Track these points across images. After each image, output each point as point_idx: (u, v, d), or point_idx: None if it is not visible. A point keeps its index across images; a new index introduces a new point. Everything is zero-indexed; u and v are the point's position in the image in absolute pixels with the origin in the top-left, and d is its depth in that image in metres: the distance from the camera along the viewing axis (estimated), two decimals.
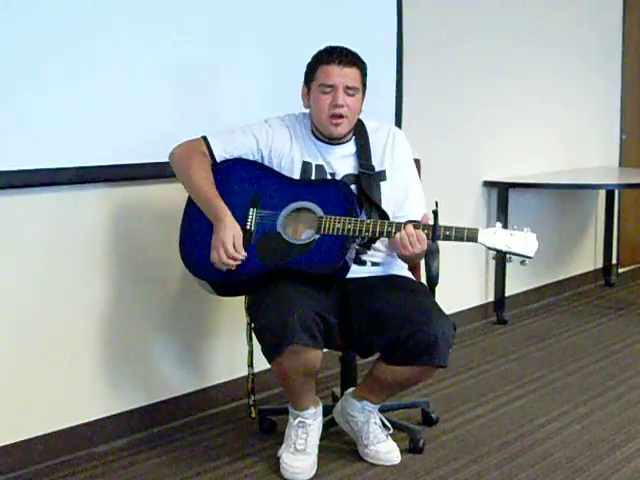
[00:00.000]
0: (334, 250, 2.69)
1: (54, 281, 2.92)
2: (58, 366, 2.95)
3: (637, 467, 2.84)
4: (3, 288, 2.79)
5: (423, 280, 3.05)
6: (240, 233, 2.71)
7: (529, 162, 5.11)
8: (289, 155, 2.86)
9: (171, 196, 3.11)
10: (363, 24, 3.78)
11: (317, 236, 2.71)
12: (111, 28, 2.94)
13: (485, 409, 3.41)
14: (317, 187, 2.81)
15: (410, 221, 2.71)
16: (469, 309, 4.73)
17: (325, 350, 2.69)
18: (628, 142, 6.08)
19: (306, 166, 2.85)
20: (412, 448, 2.95)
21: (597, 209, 5.83)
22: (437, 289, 2.94)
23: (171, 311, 3.30)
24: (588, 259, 5.80)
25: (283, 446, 2.82)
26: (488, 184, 4.80)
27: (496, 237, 2.64)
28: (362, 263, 2.88)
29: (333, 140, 2.86)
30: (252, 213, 2.77)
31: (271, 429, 3.16)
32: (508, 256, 2.67)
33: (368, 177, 2.84)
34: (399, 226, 2.67)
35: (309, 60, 2.85)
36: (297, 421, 2.79)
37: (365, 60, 2.85)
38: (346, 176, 2.86)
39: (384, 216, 2.79)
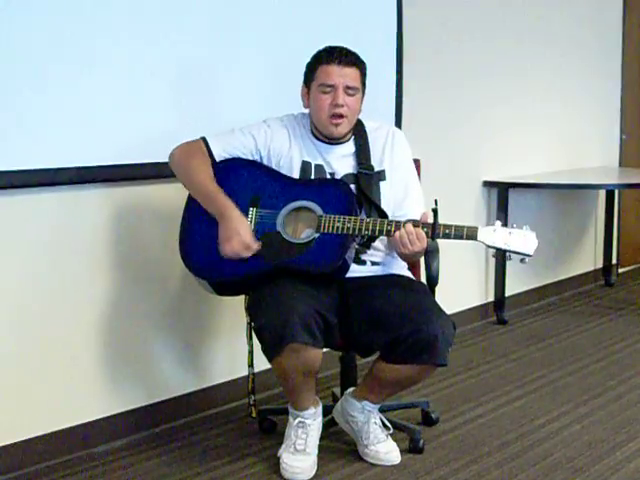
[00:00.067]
0: (334, 249, 2.69)
1: (54, 281, 2.93)
2: (58, 366, 2.95)
3: (637, 467, 2.84)
4: (3, 288, 2.79)
5: (423, 280, 3.05)
6: (249, 224, 2.71)
7: (529, 162, 5.11)
8: (288, 155, 2.86)
9: (171, 196, 3.11)
10: (363, 24, 3.78)
11: (317, 235, 2.71)
12: (111, 28, 2.94)
13: (485, 409, 3.41)
14: (317, 186, 2.81)
15: (410, 220, 2.71)
16: (469, 309, 4.73)
17: (325, 350, 2.70)
18: (628, 142, 6.08)
19: (305, 166, 2.85)
20: (412, 448, 2.95)
21: (597, 209, 5.83)
22: (437, 289, 2.94)
23: (171, 311, 3.30)
24: (588, 259, 5.81)
25: (283, 446, 2.82)
26: (488, 184, 4.80)
27: (495, 235, 2.65)
28: (362, 262, 2.88)
29: (332, 140, 2.86)
30: (252, 212, 2.77)
31: (271, 429, 3.16)
32: (508, 254, 2.68)
33: (367, 177, 2.84)
34: (398, 224, 2.67)
35: (309, 60, 2.85)
36: (297, 421, 2.79)
37: (365, 60, 2.85)
38: (345, 176, 2.86)
39: (383, 216, 2.79)
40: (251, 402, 2.93)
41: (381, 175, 2.88)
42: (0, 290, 2.79)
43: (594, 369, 3.93)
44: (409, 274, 2.99)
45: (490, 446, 3.02)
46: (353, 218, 2.69)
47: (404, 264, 2.97)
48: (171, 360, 3.32)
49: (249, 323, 2.88)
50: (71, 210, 2.96)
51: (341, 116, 2.78)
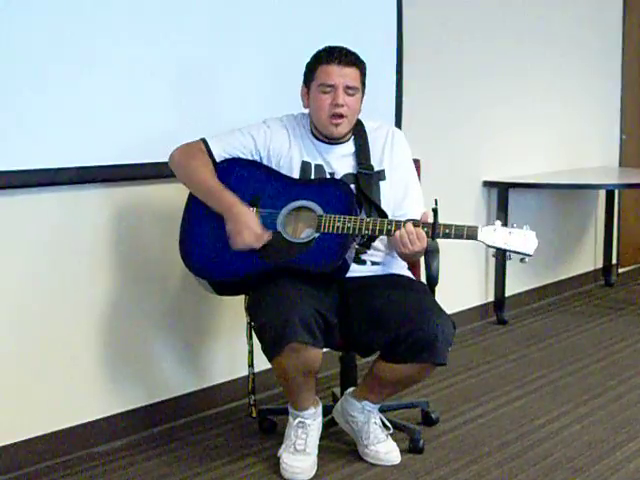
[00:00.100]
0: (334, 248, 2.69)
1: (54, 281, 2.93)
2: (58, 366, 2.95)
3: (637, 467, 2.84)
4: (3, 288, 2.79)
5: (423, 280, 3.05)
6: (256, 216, 2.73)
7: (529, 162, 5.11)
8: (288, 155, 2.86)
9: (171, 196, 3.11)
10: (363, 24, 3.78)
11: (317, 235, 2.71)
12: (111, 28, 2.95)
13: (485, 409, 3.41)
14: (317, 186, 2.81)
15: (410, 220, 2.71)
16: (469, 309, 4.73)
17: (325, 350, 2.70)
18: (628, 142, 6.08)
19: (305, 166, 2.85)
20: (412, 448, 2.95)
21: (597, 209, 5.83)
22: (437, 289, 2.94)
23: (171, 311, 3.30)
24: (588, 259, 5.80)
25: (283, 446, 2.82)
26: (488, 184, 4.80)
27: (496, 235, 2.65)
28: (362, 262, 2.88)
29: (332, 140, 2.86)
30: (252, 212, 2.77)
31: (271, 429, 3.16)
32: (508, 254, 2.69)
33: (367, 177, 2.84)
34: (399, 224, 2.67)
35: (308, 60, 2.85)
36: (297, 421, 2.80)
37: (365, 60, 2.85)
38: (345, 176, 2.86)
39: (383, 215, 2.79)
40: (251, 402, 2.93)
41: (381, 175, 2.88)
42: (0, 290, 2.79)
43: (594, 369, 3.93)
44: (409, 274, 3.00)
45: (490, 446, 3.02)
46: (353, 218, 2.69)
47: (404, 264, 2.97)
48: (171, 360, 3.32)
49: (249, 323, 2.88)
50: (71, 210, 2.96)
51: (341, 116, 2.79)
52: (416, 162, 3.08)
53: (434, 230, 2.65)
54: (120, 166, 3.02)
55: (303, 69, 2.87)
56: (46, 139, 2.82)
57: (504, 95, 4.84)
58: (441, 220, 2.64)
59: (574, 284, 5.62)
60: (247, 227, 2.69)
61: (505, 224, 2.70)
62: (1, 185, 2.72)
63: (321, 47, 2.83)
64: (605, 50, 5.77)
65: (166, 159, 2.89)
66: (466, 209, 4.66)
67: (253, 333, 2.76)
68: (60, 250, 2.93)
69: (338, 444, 3.01)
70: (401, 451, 2.89)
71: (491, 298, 4.86)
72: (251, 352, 2.92)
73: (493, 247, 2.67)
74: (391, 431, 2.93)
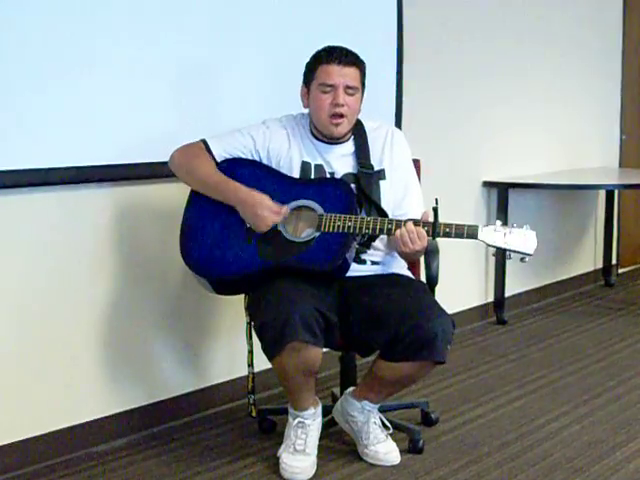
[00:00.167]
0: (334, 248, 2.69)
1: (54, 281, 2.92)
2: (58, 366, 2.95)
3: (637, 468, 2.84)
4: (3, 288, 2.79)
5: (423, 280, 3.05)
6: (267, 196, 2.74)
7: (529, 162, 5.11)
8: (287, 155, 2.86)
9: (171, 196, 3.11)
10: (363, 24, 3.78)
11: (317, 234, 2.71)
12: (111, 28, 2.94)
13: (485, 409, 3.41)
14: (317, 186, 2.81)
15: (410, 219, 2.71)
16: (469, 309, 4.73)
17: (325, 350, 2.69)
18: (628, 142, 6.08)
19: (305, 166, 2.85)
20: (412, 448, 2.95)
21: (597, 209, 5.83)
22: (437, 289, 2.94)
23: (171, 311, 3.30)
24: (588, 259, 5.80)
25: (282, 446, 2.82)
26: (488, 184, 4.79)
27: (496, 234, 2.65)
28: (362, 262, 2.88)
29: (332, 140, 2.86)
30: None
31: (271, 429, 3.16)
32: (508, 253, 2.69)
33: (367, 176, 2.85)
34: (399, 223, 2.68)
35: (308, 60, 2.85)
36: (296, 421, 2.80)
37: (365, 60, 2.85)
38: (345, 175, 2.86)
39: (383, 215, 2.79)
40: (251, 402, 2.93)
41: (381, 174, 2.88)
42: (0, 290, 2.79)
43: (594, 369, 3.93)
44: (409, 274, 3.00)
45: (490, 446, 3.02)
46: (354, 217, 2.69)
47: (404, 264, 2.97)
48: (171, 360, 3.32)
49: (249, 323, 2.88)
50: (71, 210, 2.96)
51: (341, 116, 2.79)
52: (416, 162, 3.08)
53: (434, 229, 2.65)
54: (120, 166, 3.02)
55: (303, 69, 2.87)
56: (46, 139, 2.82)
57: (504, 95, 4.84)
58: (441, 220, 2.65)
59: (574, 284, 5.62)
60: (260, 206, 2.70)
61: (505, 224, 2.70)
62: (1, 185, 2.72)
63: (321, 47, 2.83)
64: (605, 50, 5.77)
65: (166, 159, 2.89)
66: (466, 209, 4.66)
67: (253, 333, 2.76)
68: (60, 250, 2.93)
69: (338, 444, 3.01)
70: (401, 451, 2.89)
71: (491, 298, 4.86)
72: (251, 352, 2.92)
73: (493, 246, 2.67)
74: (391, 431, 2.93)
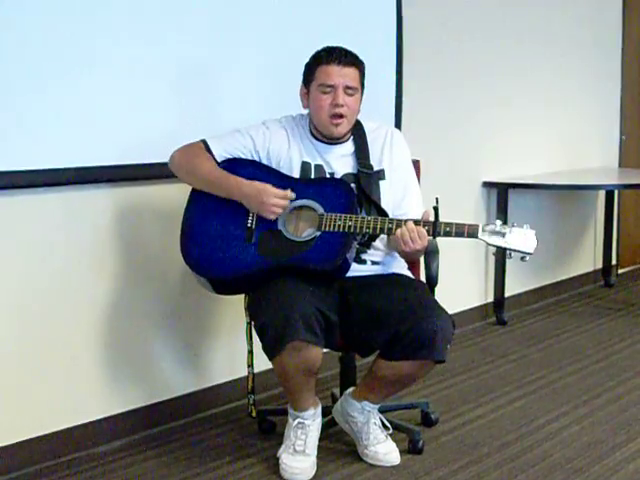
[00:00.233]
0: (335, 247, 2.69)
1: (54, 281, 2.92)
2: (58, 366, 2.95)
3: (637, 468, 2.84)
4: (3, 288, 2.79)
5: (422, 280, 3.05)
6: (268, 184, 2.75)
7: (529, 163, 5.11)
8: (287, 156, 2.86)
9: (172, 196, 3.11)
10: (363, 24, 3.78)
11: (318, 233, 2.72)
12: (111, 28, 2.94)
13: (485, 410, 3.41)
14: (317, 185, 2.82)
15: (411, 218, 2.71)
16: (469, 309, 4.73)
17: (325, 350, 2.69)
18: (628, 143, 6.08)
19: (305, 166, 2.85)
20: (411, 449, 2.95)
21: (597, 210, 5.83)
22: (437, 289, 2.95)
23: (171, 311, 3.30)
24: (588, 260, 5.80)
25: (282, 447, 2.82)
26: (488, 184, 4.79)
27: (496, 234, 2.66)
28: (362, 262, 2.88)
29: (332, 140, 2.87)
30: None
31: (270, 429, 3.16)
32: (508, 252, 2.69)
33: (367, 176, 2.85)
34: (399, 223, 2.68)
35: (308, 60, 2.85)
36: (296, 422, 2.79)
37: (365, 60, 2.85)
38: (345, 175, 2.86)
39: (383, 215, 2.79)
40: (251, 402, 2.93)
41: (380, 174, 2.88)
42: (0, 290, 2.78)
43: (594, 369, 3.93)
44: (409, 274, 3.00)
45: (490, 447, 3.02)
46: (354, 217, 2.70)
47: (404, 263, 2.97)
48: (171, 360, 3.32)
49: (249, 323, 2.88)
50: (71, 210, 2.95)
51: (341, 116, 2.79)
52: (416, 162, 3.08)
53: (435, 228, 2.65)
54: (120, 166, 3.02)
55: (303, 69, 2.87)
56: (46, 139, 2.82)
57: (504, 95, 4.84)
58: (441, 220, 2.65)
59: (574, 285, 5.62)
60: (265, 193, 2.71)
61: (505, 224, 2.71)
62: (2, 185, 2.72)
63: (320, 47, 2.83)
64: (605, 50, 5.77)
65: (166, 159, 2.89)
66: (466, 209, 4.65)
67: (253, 333, 2.76)
68: (60, 250, 2.93)
69: (338, 444, 3.01)
70: (401, 452, 2.89)
71: (491, 298, 4.86)
72: (251, 352, 2.92)
73: (493, 245, 2.68)
74: (391, 431, 2.93)
